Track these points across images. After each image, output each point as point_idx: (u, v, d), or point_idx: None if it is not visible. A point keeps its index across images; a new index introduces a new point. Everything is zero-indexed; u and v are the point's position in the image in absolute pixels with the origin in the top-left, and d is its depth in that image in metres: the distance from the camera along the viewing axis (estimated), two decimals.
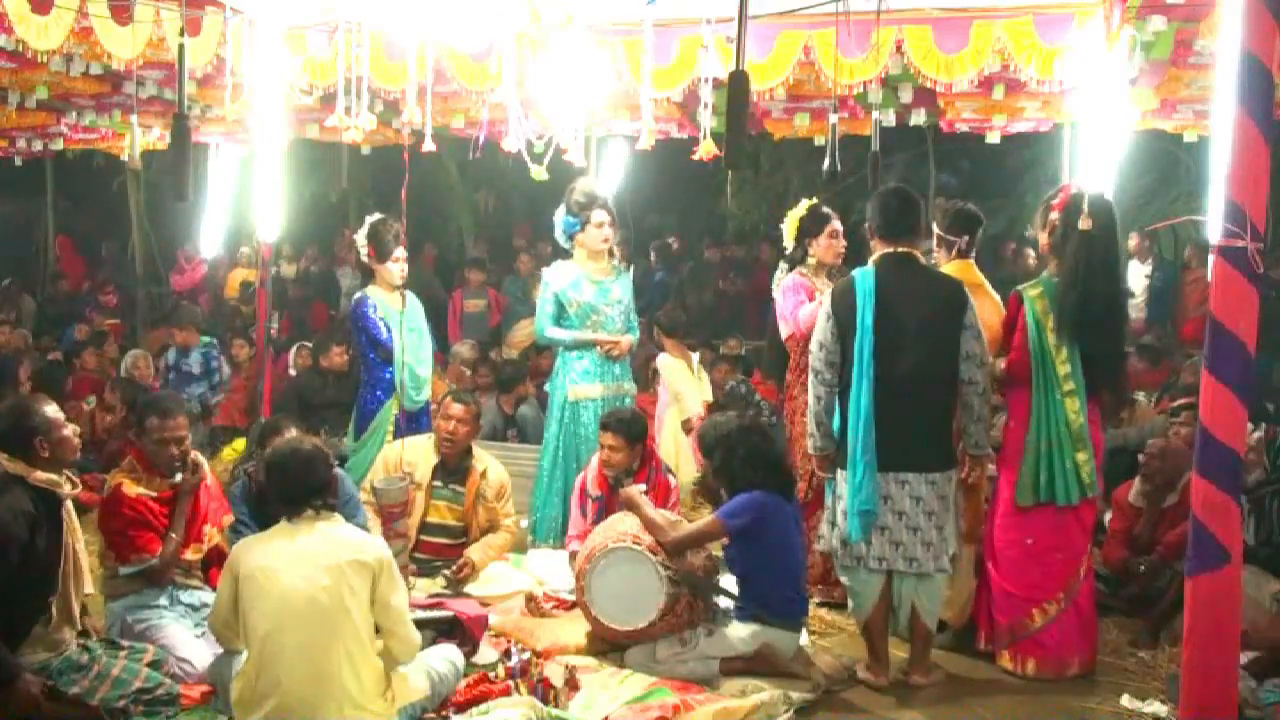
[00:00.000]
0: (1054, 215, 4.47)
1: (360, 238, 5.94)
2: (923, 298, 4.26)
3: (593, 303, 5.74)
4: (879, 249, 4.38)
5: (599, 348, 5.72)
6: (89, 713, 3.63)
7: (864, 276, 4.28)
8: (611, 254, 5.90)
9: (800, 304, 5.10)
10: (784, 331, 5.26)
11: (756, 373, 8.25)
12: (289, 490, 3.56)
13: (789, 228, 5.39)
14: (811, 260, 5.29)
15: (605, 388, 5.76)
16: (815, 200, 5.45)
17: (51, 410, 3.80)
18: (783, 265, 5.45)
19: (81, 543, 3.91)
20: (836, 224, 5.29)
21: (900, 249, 4.34)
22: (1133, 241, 9.93)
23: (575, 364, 5.74)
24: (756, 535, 4.27)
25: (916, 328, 4.20)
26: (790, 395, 5.29)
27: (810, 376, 4.38)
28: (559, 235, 5.88)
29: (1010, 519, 4.48)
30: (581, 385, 5.70)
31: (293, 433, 4.75)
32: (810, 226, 5.29)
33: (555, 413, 5.77)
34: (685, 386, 7.05)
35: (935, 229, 4.94)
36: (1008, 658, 4.48)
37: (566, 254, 5.93)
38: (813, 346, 4.37)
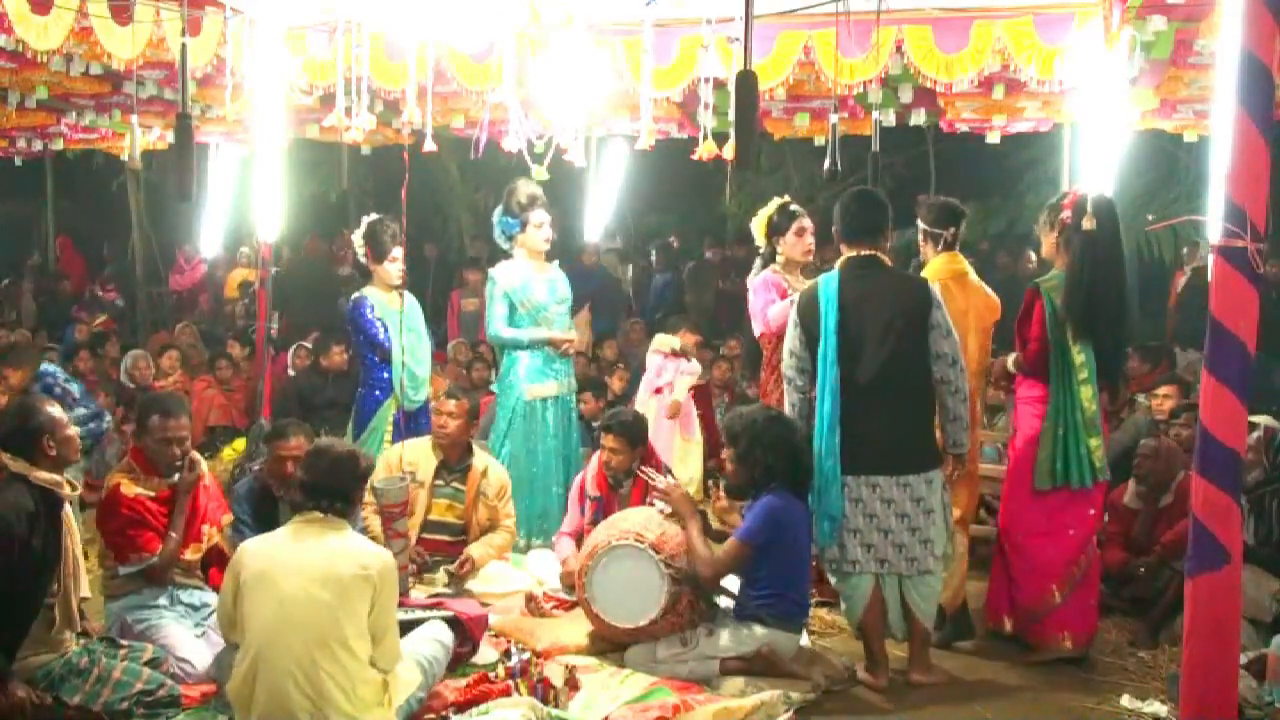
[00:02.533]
0: (1065, 214, 4.52)
1: (357, 238, 5.95)
2: (887, 300, 4.25)
3: (544, 302, 5.82)
4: (844, 252, 4.40)
5: (551, 346, 5.79)
6: (92, 719, 3.63)
7: (827, 281, 4.30)
8: (549, 255, 5.98)
9: (770, 302, 5.12)
10: (756, 329, 5.28)
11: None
12: (308, 482, 3.59)
13: (758, 226, 5.40)
14: (781, 258, 5.30)
15: (559, 385, 5.85)
16: (785, 198, 5.44)
17: (56, 410, 3.82)
18: (758, 263, 5.46)
19: (79, 545, 3.91)
20: (805, 222, 5.29)
21: (864, 252, 4.35)
22: None
23: (527, 364, 5.78)
24: (772, 544, 4.27)
25: (881, 330, 4.20)
26: (764, 392, 5.30)
27: (784, 385, 4.42)
28: (497, 236, 5.94)
29: (1024, 503, 4.57)
30: (537, 384, 5.77)
31: (300, 437, 4.77)
32: (779, 224, 5.30)
33: (507, 413, 5.77)
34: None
35: (920, 224, 4.95)
36: (1041, 636, 4.55)
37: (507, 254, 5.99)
38: (784, 354, 4.41)
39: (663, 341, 7.10)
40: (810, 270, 5.33)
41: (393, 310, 5.76)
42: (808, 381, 4.31)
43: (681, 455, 6.86)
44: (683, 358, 7.05)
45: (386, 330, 5.74)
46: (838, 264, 4.40)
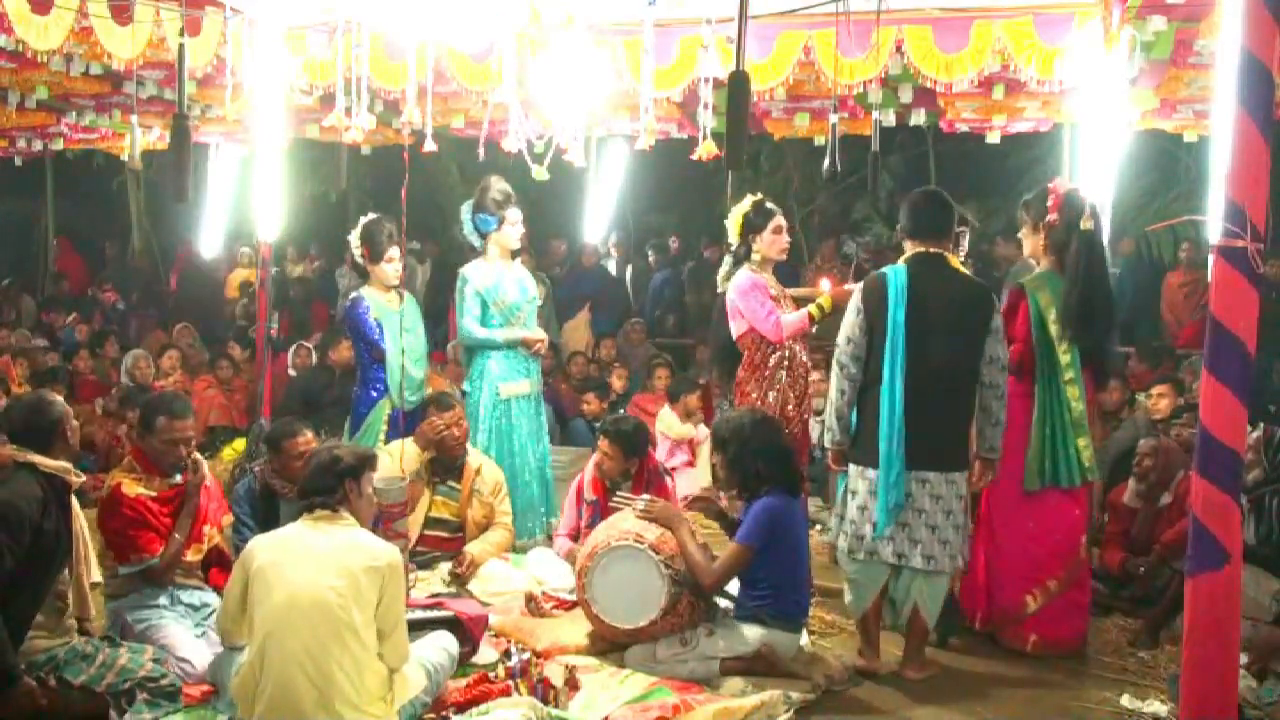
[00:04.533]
0: (1051, 217, 4.56)
1: (354, 238, 5.92)
2: (952, 299, 4.29)
3: (516, 301, 5.84)
4: (911, 249, 4.41)
5: (524, 346, 5.83)
6: (94, 699, 3.63)
7: (896, 274, 4.30)
8: (518, 253, 6.03)
9: (774, 310, 5.08)
10: (736, 330, 5.21)
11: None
12: (301, 485, 3.67)
13: (733, 224, 5.36)
14: (756, 256, 5.26)
15: (531, 383, 5.90)
16: (759, 196, 5.43)
17: (63, 401, 3.87)
18: (727, 261, 5.42)
19: (86, 531, 3.92)
20: (780, 220, 5.26)
21: (932, 250, 4.37)
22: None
23: (500, 363, 5.79)
24: (771, 545, 4.28)
25: (944, 328, 4.24)
26: (743, 393, 5.25)
27: (835, 370, 4.41)
28: (469, 233, 5.93)
29: (1010, 504, 4.59)
30: (511, 383, 5.80)
31: (309, 432, 4.77)
32: (755, 222, 5.27)
33: (483, 412, 5.75)
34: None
35: None
36: (1009, 635, 4.60)
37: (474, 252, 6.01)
38: (840, 341, 4.40)
39: (670, 425, 6.96)
40: (783, 268, 5.36)
41: (390, 310, 5.76)
42: (860, 370, 4.32)
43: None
44: (686, 443, 6.95)
45: (382, 331, 5.72)
46: (903, 258, 4.41)
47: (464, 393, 6.03)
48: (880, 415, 4.23)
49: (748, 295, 5.13)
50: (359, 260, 5.93)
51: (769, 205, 5.30)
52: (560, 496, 6.02)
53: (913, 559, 4.27)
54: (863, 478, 4.32)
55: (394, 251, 5.83)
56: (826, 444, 4.46)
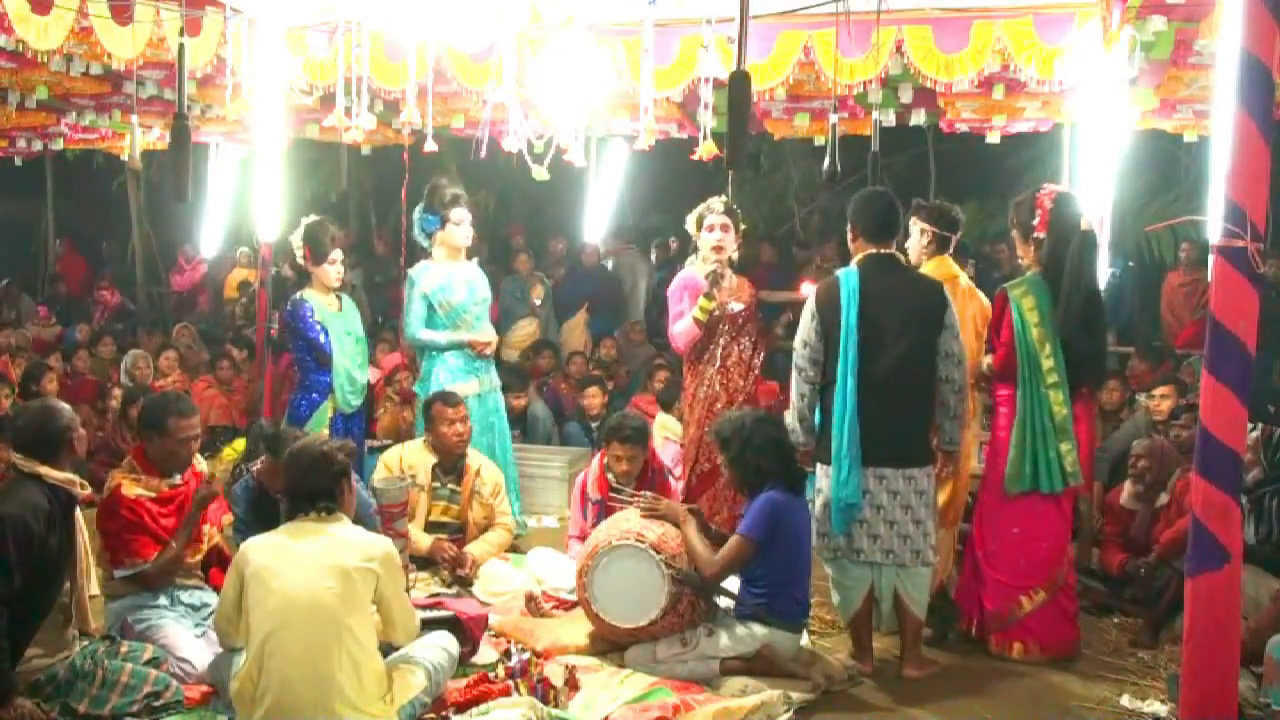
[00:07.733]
0: (1039, 235, 4.54)
1: (296, 239, 5.79)
2: (905, 297, 4.33)
3: (463, 303, 5.83)
4: (862, 250, 4.44)
5: (470, 348, 5.81)
6: None
7: (848, 276, 4.34)
8: (470, 253, 6.03)
9: (679, 315, 5.23)
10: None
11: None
12: (291, 488, 3.61)
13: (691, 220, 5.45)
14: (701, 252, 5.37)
15: (480, 383, 5.88)
16: (723, 196, 5.46)
17: (70, 410, 3.86)
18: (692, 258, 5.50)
19: (87, 544, 3.92)
20: (713, 218, 5.29)
21: (884, 250, 4.41)
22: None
23: (448, 364, 5.79)
24: (773, 540, 4.28)
25: (899, 326, 4.27)
26: (685, 389, 5.46)
27: (794, 374, 4.46)
28: (416, 234, 5.94)
29: (998, 509, 4.60)
30: (460, 384, 5.76)
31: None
32: (700, 219, 5.36)
33: None
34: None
35: (928, 226, 4.94)
36: (994, 642, 4.59)
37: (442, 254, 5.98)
38: (796, 344, 4.45)
39: (668, 426, 6.95)
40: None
41: (332, 314, 5.72)
42: (819, 373, 4.35)
43: None
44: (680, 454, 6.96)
45: (327, 334, 5.66)
46: (855, 260, 4.44)
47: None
48: (835, 414, 4.28)
49: (671, 294, 5.30)
50: (300, 262, 5.79)
51: (714, 204, 5.32)
52: (536, 495, 6.11)
53: (873, 554, 4.31)
54: (827, 476, 4.35)
55: (336, 254, 5.77)
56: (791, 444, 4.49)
